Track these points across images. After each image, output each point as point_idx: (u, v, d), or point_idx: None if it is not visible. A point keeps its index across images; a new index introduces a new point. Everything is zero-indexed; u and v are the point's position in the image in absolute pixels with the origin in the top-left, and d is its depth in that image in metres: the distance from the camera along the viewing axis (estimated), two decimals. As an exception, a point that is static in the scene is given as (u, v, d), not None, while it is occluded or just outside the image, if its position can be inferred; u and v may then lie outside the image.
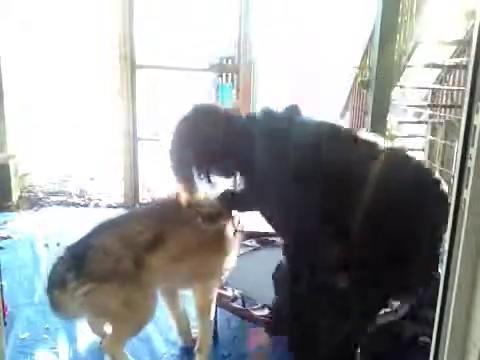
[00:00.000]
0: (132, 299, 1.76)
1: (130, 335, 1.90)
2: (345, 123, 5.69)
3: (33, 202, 4.26)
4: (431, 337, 1.04)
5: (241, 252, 2.55)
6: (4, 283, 2.33)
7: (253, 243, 2.68)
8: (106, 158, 6.82)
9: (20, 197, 4.28)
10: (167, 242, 1.79)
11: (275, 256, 2.16)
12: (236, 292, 2.09)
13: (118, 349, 1.84)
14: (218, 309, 2.31)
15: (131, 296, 1.75)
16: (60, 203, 4.31)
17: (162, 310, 2.51)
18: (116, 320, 1.81)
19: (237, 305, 2.04)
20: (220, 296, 2.13)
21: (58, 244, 3.32)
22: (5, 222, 3.70)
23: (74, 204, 4.33)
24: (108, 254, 1.74)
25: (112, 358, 1.84)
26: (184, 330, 2.16)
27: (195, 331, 2.09)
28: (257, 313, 1.96)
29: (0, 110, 3.96)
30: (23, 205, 4.16)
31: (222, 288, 2.15)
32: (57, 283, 1.74)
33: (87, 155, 7.00)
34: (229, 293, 2.12)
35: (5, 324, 1.20)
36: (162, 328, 2.35)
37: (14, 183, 4.18)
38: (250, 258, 2.49)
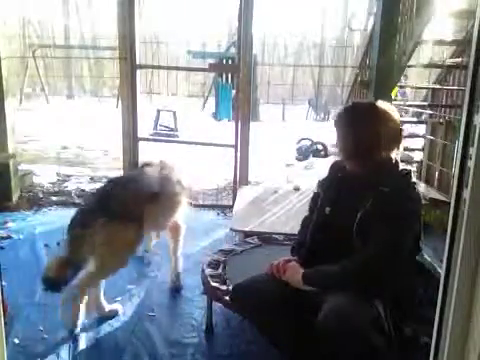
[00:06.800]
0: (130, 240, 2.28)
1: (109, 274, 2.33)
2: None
3: (33, 202, 4.26)
4: (431, 337, 1.04)
5: (242, 249, 2.58)
6: (4, 283, 2.33)
7: (255, 240, 2.69)
8: (106, 158, 6.84)
9: (20, 197, 4.28)
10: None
11: (275, 253, 2.17)
12: (231, 287, 2.12)
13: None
14: (215, 307, 2.32)
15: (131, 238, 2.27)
16: (60, 203, 4.31)
17: (162, 310, 2.52)
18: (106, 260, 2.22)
19: (229, 298, 2.07)
20: (215, 290, 2.17)
21: (58, 244, 3.33)
22: (5, 222, 3.70)
23: (74, 204, 4.33)
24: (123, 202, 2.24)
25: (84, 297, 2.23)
26: None
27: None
28: None
29: (0, 110, 3.96)
30: (23, 205, 4.16)
31: (220, 283, 2.20)
32: (80, 222, 2.19)
33: (87, 154, 7.02)
34: (224, 287, 2.16)
35: (5, 324, 1.19)
36: (162, 328, 2.35)
37: (14, 183, 4.18)
38: (251, 255, 2.51)
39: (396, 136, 1.75)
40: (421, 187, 3.95)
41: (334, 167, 1.93)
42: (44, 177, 5.18)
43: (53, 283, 2.18)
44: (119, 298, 2.60)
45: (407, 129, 6.45)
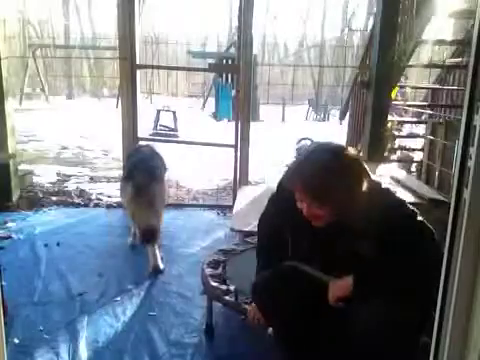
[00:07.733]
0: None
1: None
2: (345, 123, 5.69)
3: (33, 202, 4.26)
4: (431, 337, 1.04)
5: (242, 249, 2.57)
6: (4, 283, 2.33)
7: (255, 240, 2.69)
8: (106, 158, 6.84)
9: (20, 197, 4.28)
10: None
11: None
12: (231, 287, 2.12)
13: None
14: (215, 307, 2.32)
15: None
16: (60, 203, 4.32)
17: (162, 310, 2.52)
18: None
19: (229, 298, 2.08)
20: (215, 290, 2.16)
21: (58, 244, 3.33)
22: (5, 222, 3.70)
23: (74, 204, 4.33)
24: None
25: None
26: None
27: None
28: (246, 306, 1.98)
29: (0, 110, 3.96)
30: (23, 205, 4.16)
31: (220, 283, 2.20)
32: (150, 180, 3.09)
33: (87, 155, 7.02)
34: (224, 287, 2.16)
35: (5, 324, 1.19)
36: (162, 328, 2.35)
37: (14, 183, 4.18)
38: (251, 255, 2.50)
39: (361, 176, 1.54)
40: (422, 187, 3.94)
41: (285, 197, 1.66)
42: (44, 177, 5.18)
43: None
44: (118, 298, 2.60)
45: (407, 129, 6.45)
